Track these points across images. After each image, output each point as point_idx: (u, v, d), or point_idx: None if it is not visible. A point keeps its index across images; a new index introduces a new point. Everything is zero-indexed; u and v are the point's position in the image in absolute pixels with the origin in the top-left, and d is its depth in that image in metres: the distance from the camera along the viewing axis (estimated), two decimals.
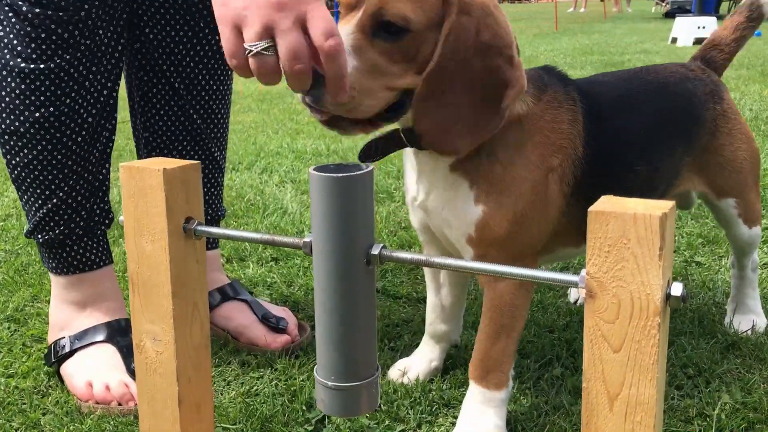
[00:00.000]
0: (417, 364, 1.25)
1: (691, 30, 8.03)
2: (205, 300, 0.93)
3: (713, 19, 8.15)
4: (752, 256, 1.41)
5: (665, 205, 0.64)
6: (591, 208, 0.64)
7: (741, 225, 1.32)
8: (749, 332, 1.36)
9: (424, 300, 1.56)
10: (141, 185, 0.85)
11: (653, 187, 1.20)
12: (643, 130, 1.17)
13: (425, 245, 1.19)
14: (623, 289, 0.64)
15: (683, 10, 11.22)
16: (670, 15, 11.75)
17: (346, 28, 0.92)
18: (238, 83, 5.10)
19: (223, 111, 1.46)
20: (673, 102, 1.22)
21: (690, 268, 1.72)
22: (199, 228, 0.87)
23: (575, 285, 0.68)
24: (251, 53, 0.83)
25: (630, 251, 0.63)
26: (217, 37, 1.38)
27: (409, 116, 0.98)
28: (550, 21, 12.56)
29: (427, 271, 1.24)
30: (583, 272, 0.67)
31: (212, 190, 1.48)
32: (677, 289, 0.65)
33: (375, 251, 0.79)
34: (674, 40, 8.08)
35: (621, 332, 0.65)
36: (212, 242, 1.49)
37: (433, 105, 0.93)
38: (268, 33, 0.82)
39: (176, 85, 1.37)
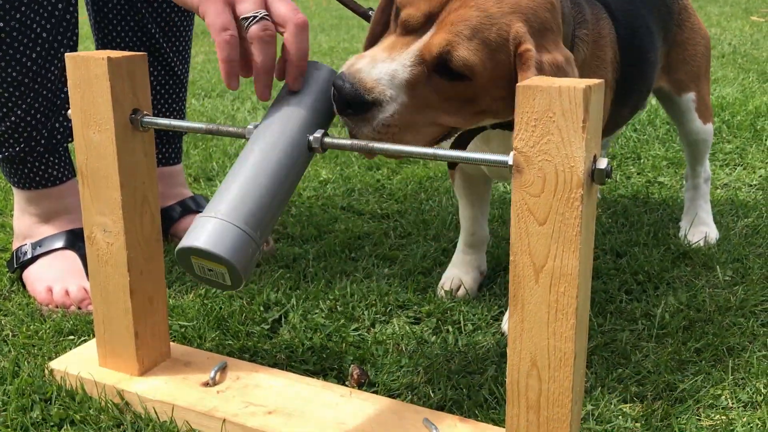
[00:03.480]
0: (467, 275, 1.24)
1: None
2: (155, 194, 0.94)
3: None
4: (705, 165, 1.44)
5: (591, 81, 0.65)
6: (519, 84, 0.66)
7: (697, 119, 1.37)
8: (701, 243, 1.39)
9: (386, 216, 1.59)
10: (86, 75, 0.86)
11: (653, 79, 1.24)
12: (643, 20, 1.19)
13: (465, 179, 1.22)
14: (548, 162, 0.66)
15: None
16: None
17: (404, 58, 0.83)
18: None
19: (185, 23, 1.44)
20: None
21: (652, 187, 1.74)
22: (146, 119, 0.88)
23: (505, 164, 0.69)
24: (256, 20, 0.83)
25: (555, 124, 0.65)
26: None
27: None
28: None
29: (458, 186, 1.24)
30: (513, 152, 0.68)
31: (174, 105, 1.47)
32: (602, 162, 0.66)
33: (317, 135, 0.80)
34: None
35: (546, 205, 0.67)
36: (173, 157, 1.49)
37: None
38: (263, 4, 0.84)
39: None
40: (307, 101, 0.82)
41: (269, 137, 0.78)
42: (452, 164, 1.23)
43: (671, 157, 1.93)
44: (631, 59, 1.14)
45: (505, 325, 1.13)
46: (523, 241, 0.68)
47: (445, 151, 0.74)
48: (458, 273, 1.24)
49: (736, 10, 5.23)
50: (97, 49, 1.41)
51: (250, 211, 0.74)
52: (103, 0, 1.35)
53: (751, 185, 1.73)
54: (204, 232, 0.72)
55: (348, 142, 0.79)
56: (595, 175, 0.66)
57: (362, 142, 0.79)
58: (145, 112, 0.88)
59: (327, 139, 0.80)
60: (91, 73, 0.85)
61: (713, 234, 1.42)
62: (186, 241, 0.73)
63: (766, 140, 2.05)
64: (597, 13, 1.07)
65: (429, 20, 0.83)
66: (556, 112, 0.64)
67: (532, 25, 0.82)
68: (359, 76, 0.81)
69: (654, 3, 1.25)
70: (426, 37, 0.83)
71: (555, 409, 0.72)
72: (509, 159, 0.69)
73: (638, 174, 1.85)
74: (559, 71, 0.83)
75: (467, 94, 0.84)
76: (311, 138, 0.79)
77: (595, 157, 0.67)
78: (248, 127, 0.81)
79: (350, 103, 0.81)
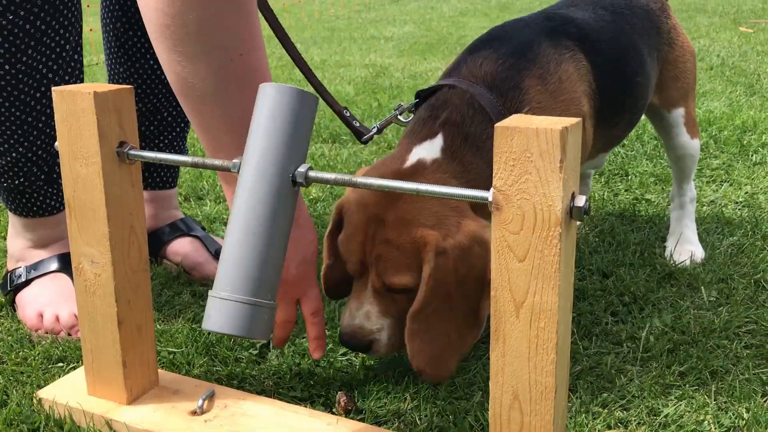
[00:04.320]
0: None
1: None
2: (143, 225, 0.95)
3: None
4: (690, 184, 1.47)
5: (568, 121, 0.66)
6: (497, 125, 0.67)
7: (685, 134, 1.41)
8: (687, 262, 1.40)
9: None
10: (73, 109, 0.86)
11: (646, 97, 1.27)
12: (630, 43, 1.22)
13: None
14: (527, 201, 0.67)
15: None
16: None
17: (366, 298, 1.00)
18: None
19: None
20: (640, 16, 1.29)
21: (639, 204, 1.76)
22: (132, 152, 0.89)
23: (485, 200, 0.71)
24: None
25: (533, 164, 0.66)
26: None
27: None
28: None
29: None
30: (492, 189, 0.70)
31: (182, 134, 1.48)
32: (581, 200, 0.68)
33: (302, 170, 0.81)
34: None
35: (525, 242, 0.68)
36: (169, 182, 1.50)
37: (426, 341, 0.95)
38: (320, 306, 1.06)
39: None
40: (284, 133, 0.80)
41: (254, 185, 0.79)
42: None
43: (659, 173, 1.95)
44: (617, 84, 1.17)
45: None
46: (504, 277, 0.69)
47: (427, 186, 0.75)
48: None
49: (725, 20, 5.27)
50: (109, 80, 1.42)
51: (255, 280, 0.78)
52: (125, 36, 1.36)
53: (737, 202, 1.75)
54: (215, 314, 0.79)
55: (332, 176, 0.80)
56: (573, 213, 0.67)
57: (346, 177, 0.80)
58: (131, 145, 0.89)
59: (312, 173, 0.81)
60: (77, 107, 0.86)
61: (699, 253, 1.43)
62: (205, 325, 0.80)
63: (752, 155, 2.07)
64: (558, 57, 1.10)
65: (365, 264, 0.99)
66: (533, 153, 0.65)
67: (427, 223, 0.94)
68: (351, 331, 1.00)
69: (645, 27, 1.29)
70: (370, 276, 0.99)
71: None
72: (489, 195, 0.70)
73: (626, 191, 1.86)
74: (464, 253, 0.94)
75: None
76: (296, 173, 0.80)
77: (573, 194, 0.68)
78: (234, 161, 0.82)
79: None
